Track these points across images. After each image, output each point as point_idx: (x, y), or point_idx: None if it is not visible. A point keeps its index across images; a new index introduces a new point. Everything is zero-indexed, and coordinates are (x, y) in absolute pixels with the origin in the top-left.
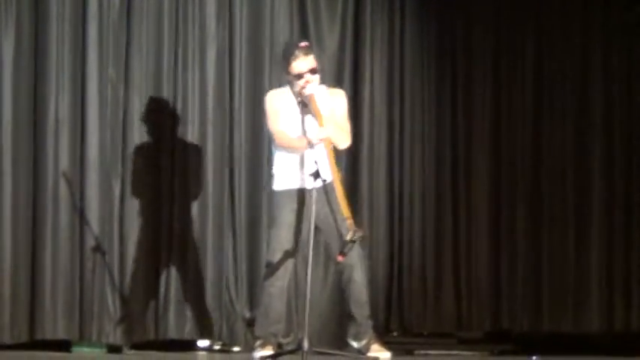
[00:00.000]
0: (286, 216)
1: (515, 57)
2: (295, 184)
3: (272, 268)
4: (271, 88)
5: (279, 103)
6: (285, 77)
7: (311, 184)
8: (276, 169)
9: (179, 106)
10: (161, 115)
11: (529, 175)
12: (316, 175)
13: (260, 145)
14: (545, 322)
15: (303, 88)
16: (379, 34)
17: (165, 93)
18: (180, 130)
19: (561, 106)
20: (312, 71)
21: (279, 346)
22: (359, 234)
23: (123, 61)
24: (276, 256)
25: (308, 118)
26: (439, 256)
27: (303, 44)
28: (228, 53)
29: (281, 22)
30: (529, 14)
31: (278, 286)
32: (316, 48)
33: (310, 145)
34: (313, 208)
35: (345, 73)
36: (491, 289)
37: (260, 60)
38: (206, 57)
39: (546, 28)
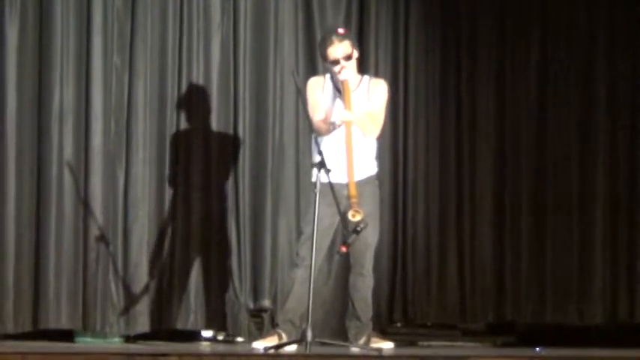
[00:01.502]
0: (319, 208)
1: (520, 44)
2: (331, 178)
3: (300, 258)
4: (275, 76)
5: (318, 91)
6: (324, 65)
7: (315, 175)
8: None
9: (183, 95)
10: (165, 104)
11: (533, 165)
12: (321, 165)
13: (264, 134)
14: (549, 313)
15: (338, 73)
16: (384, 22)
17: (170, 82)
18: (184, 120)
19: (566, 94)
20: (347, 57)
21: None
22: (363, 225)
23: (127, 50)
24: (304, 247)
25: (340, 103)
26: (443, 247)
27: (340, 30)
28: (232, 42)
29: (285, 10)
30: (534, 1)
31: (301, 274)
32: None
33: (333, 126)
34: (317, 198)
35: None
36: (495, 281)
37: (264, 49)
38: (210, 46)
39: (551, 16)
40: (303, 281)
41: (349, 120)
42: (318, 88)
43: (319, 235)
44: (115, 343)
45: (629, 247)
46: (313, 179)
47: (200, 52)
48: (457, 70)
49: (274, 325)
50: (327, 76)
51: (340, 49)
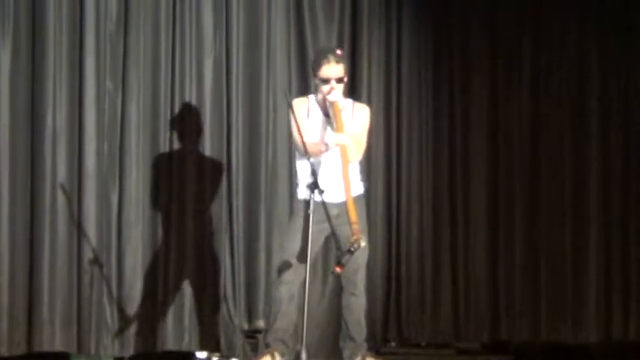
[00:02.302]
0: (302, 225)
1: (512, 56)
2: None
3: (282, 275)
4: (268, 97)
5: (303, 113)
6: (312, 81)
7: (308, 195)
8: (299, 179)
9: (176, 116)
10: (158, 126)
11: (526, 182)
12: (313, 186)
13: (257, 154)
14: (544, 332)
15: (327, 93)
16: (376, 42)
17: (163, 103)
18: (177, 140)
19: (558, 104)
20: (339, 80)
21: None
22: (357, 245)
23: (120, 72)
24: (287, 264)
25: (328, 124)
26: (437, 266)
27: (338, 52)
28: (225, 63)
29: (278, 30)
30: (526, 14)
31: (286, 292)
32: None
33: (326, 148)
34: (310, 219)
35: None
36: (490, 300)
37: (257, 70)
38: (203, 67)
39: (543, 29)
40: (290, 299)
41: (344, 143)
42: (302, 110)
43: (300, 250)
44: None
45: (623, 266)
46: (301, 197)
47: (193, 73)
48: (450, 83)
49: (265, 345)
50: (311, 97)
51: (335, 69)
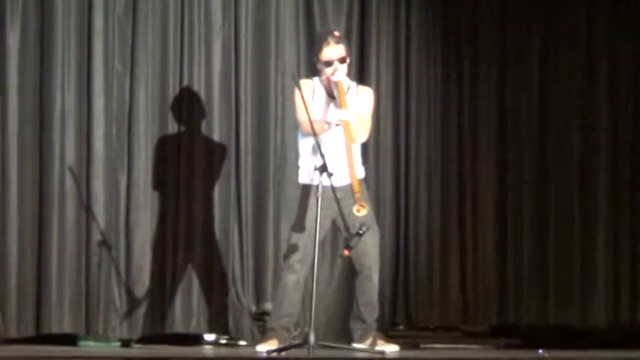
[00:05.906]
0: (308, 210)
1: (522, 40)
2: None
3: (289, 261)
4: (277, 81)
5: (308, 93)
6: (315, 65)
7: (317, 178)
8: (302, 162)
9: (185, 100)
10: (167, 108)
11: (535, 168)
12: (323, 168)
13: (266, 138)
14: (552, 315)
15: (331, 74)
16: (385, 26)
17: (171, 86)
18: (185, 124)
19: (568, 97)
20: (341, 60)
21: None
22: (365, 228)
23: (129, 54)
24: (294, 250)
25: (333, 105)
26: (445, 249)
27: (336, 33)
28: (233, 46)
29: (287, 14)
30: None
31: (293, 280)
32: None
33: (329, 126)
34: (319, 203)
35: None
36: (498, 283)
37: (266, 53)
38: (212, 50)
39: (553, 13)
40: (296, 286)
41: (347, 119)
42: (307, 91)
43: (312, 239)
44: (118, 347)
45: (632, 249)
46: (302, 181)
47: (201, 56)
48: (459, 69)
49: (270, 329)
50: (316, 79)
51: (335, 50)
